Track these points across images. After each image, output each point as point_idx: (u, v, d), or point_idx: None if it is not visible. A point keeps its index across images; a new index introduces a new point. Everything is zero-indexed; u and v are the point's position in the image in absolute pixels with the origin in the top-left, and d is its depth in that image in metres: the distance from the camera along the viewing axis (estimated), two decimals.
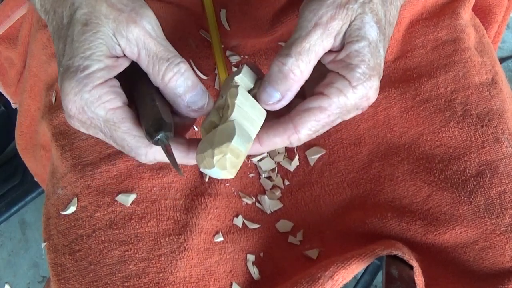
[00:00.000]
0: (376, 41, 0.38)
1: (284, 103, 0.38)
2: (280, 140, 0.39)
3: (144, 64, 0.37)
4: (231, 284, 0.48)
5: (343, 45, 0.38)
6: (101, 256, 0.46)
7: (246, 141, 0.36)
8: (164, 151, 0.36)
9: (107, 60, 0.36)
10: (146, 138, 0.36)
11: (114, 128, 0.37)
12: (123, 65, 0.38)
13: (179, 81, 0.37)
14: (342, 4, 0.37)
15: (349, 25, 0.37)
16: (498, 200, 0.48)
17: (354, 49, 0.37)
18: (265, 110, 0.39)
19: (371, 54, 0.37)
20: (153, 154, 0.39)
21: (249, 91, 0.39)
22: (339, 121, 0.40)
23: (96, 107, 0.36)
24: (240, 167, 0.56)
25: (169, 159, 0.36)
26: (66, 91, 0.36)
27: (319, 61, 0.39)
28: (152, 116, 0.36)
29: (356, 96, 0.38)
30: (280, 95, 0.38)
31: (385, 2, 0.39)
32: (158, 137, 0.35)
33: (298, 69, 0.37)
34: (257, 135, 0.39)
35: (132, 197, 0.47)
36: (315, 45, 0.37)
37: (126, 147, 0.38)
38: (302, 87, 0.40)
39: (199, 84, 0.39)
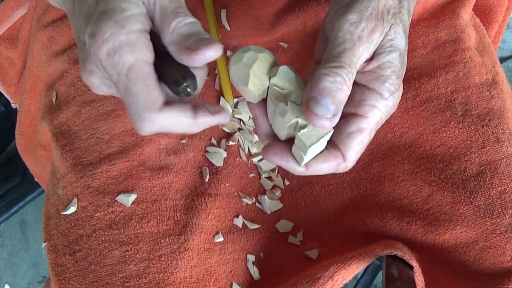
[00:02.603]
0: (405, 51, 0.38)
1: (337, 119, 0.35)
2: (327, 166, 0.37)
3: (157, 18, 0.36)
4: (231, 284, 0.48)
5: (372, 56, 0.37)
6: (101, 256, 0.46)
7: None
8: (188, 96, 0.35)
9: (144, 8, 0.35)
10: (160, 103, 0.35)
11: (134, 81, 0.34)
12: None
13: (184, 28, 0.36)
14: (379, 16, 0.36)
15: (384, 36, 0.37)
16: (499, 200, 0.48)
17: (387, 60, 0.37)
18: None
19: (401, 64, 0.37)
20: (161, 121, 0.35)
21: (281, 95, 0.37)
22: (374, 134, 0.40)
23: (127, 53, 0.34)
24: (240, 167, 0.56)
25: (200, 103, 0.36)
26: (100, 31, 0.34)
27: None
28: (177, 68, 0.35)
29: (388, 108, 0.37)
30: (335, 109, 0.35)
31: (409, 13, 0.39)
32: (186, 83, 0.35)
33: (349, 82, 0.35)
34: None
35: (133, 197, 0.47)
36: (360, 58, 0.36)
37: (135, 106, 0.35)
38: None
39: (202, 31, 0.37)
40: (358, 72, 0.37)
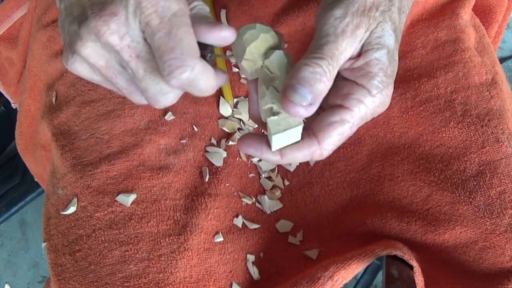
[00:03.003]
0: (393, 49, 0.38)
1: (314, 109, 0.36)
2: (301, 155, 0.38)
3: None
4: (231, 284, 0.48)
5: (360, 53, 0.37)
6: (101, 256, 0.46)
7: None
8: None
9: None
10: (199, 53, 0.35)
11: (178, 26, 0.33)
12: None
13: (203, 10, 0.36)
14: (365, 12, 0.37)
15: (370, 33, 0.37)
16: (498, 200, 0.48)
17: (374, 57, 0.37)
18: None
19: (389, 62, 0.37)
20: (198, 70, 0.33)
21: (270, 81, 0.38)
22: (355, 130, 0.40)
23: (177, 1, 0.33)
24: (240, 167, 0.56)
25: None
26: None
27: None
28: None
29: (375, 104, 0.37)
30: (312, 98, 0.35)
31: (400, 11, 0.39)
32: (210, 50, 0.36)
33: (329, 74, 0.36)
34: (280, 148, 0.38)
35: (132, 197, 0.47)
36: (343, 53, 0.36)
37: (178, 51, 0.33)
38: None
39: None
40: (347, 69, 0.38)
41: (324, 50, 0.36)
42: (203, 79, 0.34)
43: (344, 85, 0.38)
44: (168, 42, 0.33)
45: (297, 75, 0.35)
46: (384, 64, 0.37)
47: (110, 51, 0.34)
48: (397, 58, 0.39)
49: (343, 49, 0.36)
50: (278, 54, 0.38)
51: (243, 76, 0.40)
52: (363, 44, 0.37)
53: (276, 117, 0.36)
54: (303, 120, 0.37)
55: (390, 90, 0.38)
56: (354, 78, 0.37)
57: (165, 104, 0.37)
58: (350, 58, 0.38)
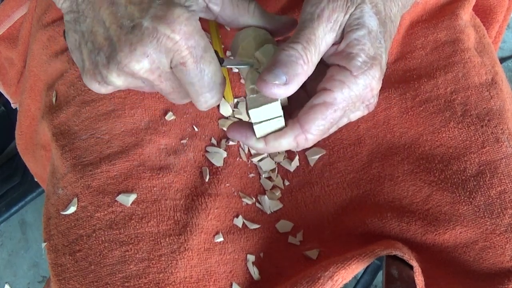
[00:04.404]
0: (376, 31, 0.38)
1: (290, 90, 0.37)
2: (286, 142, 0.38)
3: (228, 9, 0.41)
4: (231, 284, 0.48)
5: (342, 37, 0.38)
6: (101, 256, 0.46)
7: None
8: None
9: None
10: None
11: (209, 62, 0.38)
12: None
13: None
14: None
15: (349, 16, 0.37)
16: (498, 200, 0.48)
17: (353, 38, 0.37)
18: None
19: (371, 43, 0.37)
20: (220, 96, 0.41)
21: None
22: (345, 120, 0.40)
23: (201, 36, 0.37)
24: (240, 167, 0.56)
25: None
26: (175, 15, 0.36)
27: (320, 59, 0.39)
28: None
29: (359, 86, 0.37)
30: (287, 79, 0.36)
31: None
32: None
33: (306, 57, 0.37)
34: (264, 135, 0.39)
35: (133, 197, 0.47)
36: (319, 38, 0.37)
37: (210, 85, 0.39)
38: (306, 89, 0.39)
39: None
40: (331, 55, 0.39)
41: (300, 35, 0.37)
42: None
43: (329, 70, 0.38)
44: (204, 78, 0.38)
45: (274, 59, 0.37)
46: (365, 45, 0.37)
47: (139, 80, 0.39)
48: (382, 42, 0.38)
49: (321, 34, 0.37)
50: (267, 47, 0.40)
51: (243, 76, 0.42)
52: (343, 28, 0.38)
53: (254, 95, 0.38)
54: (279, 100, 0.38)
55: (375, 72, 0.38)
56: (337, 61, 0.38)
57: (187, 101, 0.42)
58: (334, 44, 0.38)
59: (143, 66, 0.36)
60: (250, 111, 0.37)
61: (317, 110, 0.37)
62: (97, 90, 0.40)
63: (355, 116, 0.41)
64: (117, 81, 0.38)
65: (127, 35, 0.36)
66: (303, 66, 0.37)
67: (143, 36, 0.36)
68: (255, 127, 0.38)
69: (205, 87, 0.38)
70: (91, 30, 0.38)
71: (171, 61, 0.37)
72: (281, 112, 0.38)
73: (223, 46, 0.58)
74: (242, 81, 0.59)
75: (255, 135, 0.39)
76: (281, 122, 0.38)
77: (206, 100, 0.39)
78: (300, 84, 0.37)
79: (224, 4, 0.40)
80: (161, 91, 0.40)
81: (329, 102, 0.37)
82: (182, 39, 0.36)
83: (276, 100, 0.37)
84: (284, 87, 0.36)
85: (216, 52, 0.39)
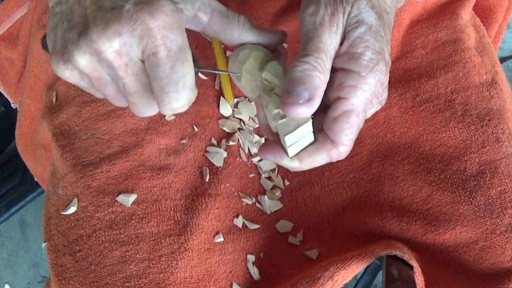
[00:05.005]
0: (376, 25, 0.38)
1: (315, 104, 0.36)
2: (320, 158, 0.38)
3: (218, 20, 0.39)
4: (231, 285, 0.48)
5: (344, 38, 0.38)
6: (101, 256, 0.46)
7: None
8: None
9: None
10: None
11: (182, 62, 0.35)
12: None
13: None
14: None
15: (348, 15, 0.37)
16: (498, 200, 0.48)
17: (355, 36, 0.37)
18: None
19: (374, 38, 0.37)
20: (195, 97, 0.38)
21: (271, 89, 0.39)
22: (364, 116, 0.39)
23: (181, 33, 0.35)
24: (241, 167, 0.56)
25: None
26: (160, 4, 0.34)
27: None
28: None
29: (370, 85, 0.37)
30: (309, 94, 0.36)
31: None
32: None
33: (320, 67, 0.36)
34: (297, 153, 0.38)
35: (133, 197, 0.47)
36: (328, 44, 0.37)
37: (180, 85, 0.35)
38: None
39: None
40: (335, 58, 0.38)
41: (307, 47, 0.36)
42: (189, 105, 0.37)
43: (336, 76, 0.38)
44: (172, 75, 0.35)
45: (289, 78, 0.36)
46: (368, 42, 0.37)
47: (105, 65, 0.35)
48: (383, 35, 0.38)
49: (327, 40, 0.37)
50: (272, 65, 0.39)
51: (235, 82, 0.41)
52: (344, 28, 0.37)
53: (284, 120, 0.37)
54: (311, 117, 0.37)
55: (381, 67, 0.37)
56: (342, 64, 0.37)
57: (148, 115, 0.39)
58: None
59: (112, 45, 0.34)
60: (286, 138, 0.36)
61: (341, 121, 0.36)
62: (61, 74, 0.36)
63: (370, 113, 0.41)
64: (82, 60, 0.34)
65: (104, 13, 0.34)
66: (320, 76, 0.36)
67: (120, 16, 0.34)
68: (288, 148, 0.37)
69: (171, 86, 0.35)
70: (70, 9, 0.36)
71: (144, 51, 0.34)
72: (311, 129, 0.37)
73: (223, 46, 0.58)
74: None
75: (287, 154, 0.38)
76: (310, 137, 0.38)
77: (170, 100, 0.35)
78: (322, 95, 0.37)
79: (214, 14, 0.39)
80: (124, 89, 0.36)
81: (349, 110, 0.37)
82: (160, 27, 0.34)
83: (308, 119, 0.37)
84: (308, 103, 0.35)
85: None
